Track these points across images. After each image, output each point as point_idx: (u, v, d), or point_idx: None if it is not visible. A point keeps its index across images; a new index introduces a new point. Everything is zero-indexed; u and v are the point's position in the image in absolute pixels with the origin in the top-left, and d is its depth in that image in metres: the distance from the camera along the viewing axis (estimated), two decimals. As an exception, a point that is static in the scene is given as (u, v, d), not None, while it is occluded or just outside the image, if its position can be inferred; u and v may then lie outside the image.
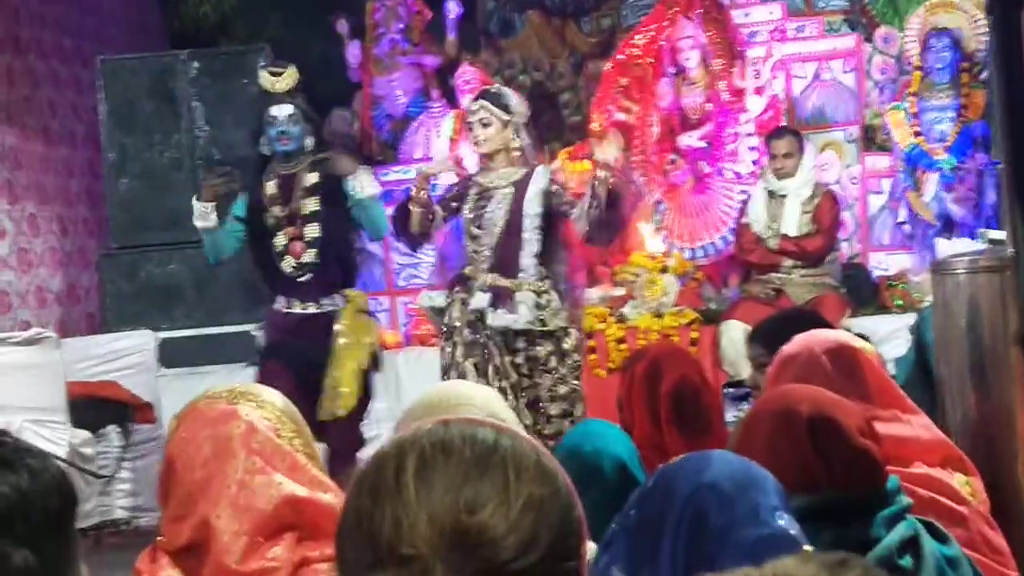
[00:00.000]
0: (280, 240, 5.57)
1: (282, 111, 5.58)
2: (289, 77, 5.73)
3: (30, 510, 1.44)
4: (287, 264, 5.56)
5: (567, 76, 9.09)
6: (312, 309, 5.58)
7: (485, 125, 5.29)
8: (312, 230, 5.55)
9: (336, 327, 5.52)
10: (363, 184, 5.51)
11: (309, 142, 5.63)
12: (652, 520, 1.74)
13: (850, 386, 2.65)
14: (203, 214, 5.57)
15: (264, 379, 5.43)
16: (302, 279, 5.56)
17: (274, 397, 2.18)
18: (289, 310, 5.61)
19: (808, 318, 3.84)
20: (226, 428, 2.08)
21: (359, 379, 5.55)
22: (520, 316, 5.19)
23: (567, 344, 5.26)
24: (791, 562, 1.09)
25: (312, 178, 5.58)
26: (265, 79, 5.76)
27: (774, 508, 1.72)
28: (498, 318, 5.20)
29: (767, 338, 3.42)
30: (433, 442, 1.17)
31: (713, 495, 1.71)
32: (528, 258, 5.24)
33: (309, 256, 5.54)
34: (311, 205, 5.56)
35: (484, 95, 5.43)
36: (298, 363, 5.49)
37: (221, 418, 2.10)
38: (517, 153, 5.35)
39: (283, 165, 5.61)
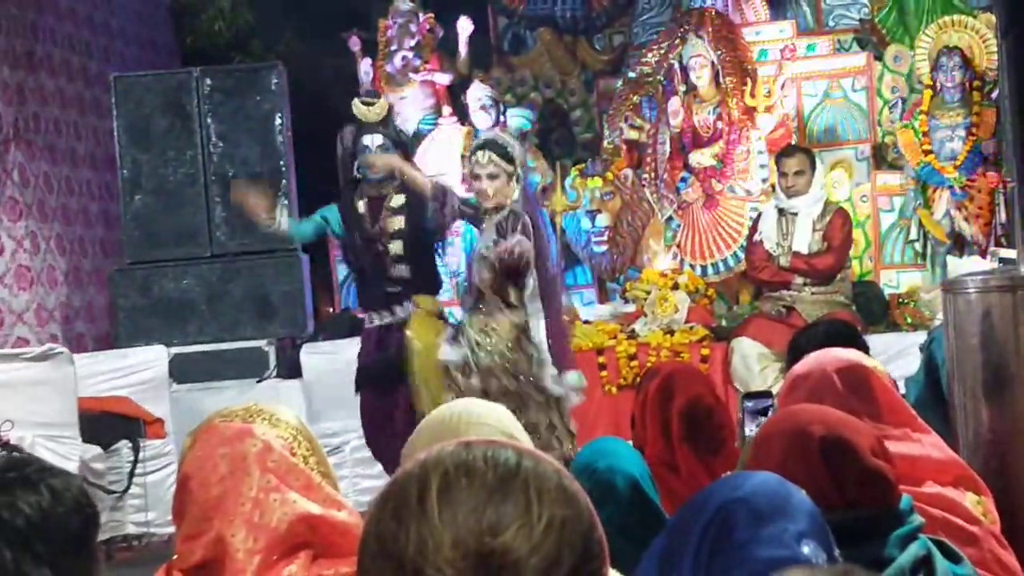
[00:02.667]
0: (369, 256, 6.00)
1: (373, 140, 6.01)
2: (380, 108, 6.20)
3: (51, 529, 1.46)
4: (377, 278, 5.97)
5: (578, 93, 9.11)
6: (388, 319, 5.94)
7: (492, 177, 5.47)
8: (396, 247, 5.94)
9: (407, 333, 5.85)
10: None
11: None
12: (681, 527, 1.74)
13: (861, 405, 2.65)
14: (276, 228, 6.19)
15: (361, 411, 5.98)
16: (392, 291, 5.94)
17: (289, 416, 2.19)
18: (372, 323, 6.01)
19: (848, 331, 3.86)
20: (241, 446, 2.09)
21: (437, 380, 5.81)
22: (447, 351, 5.50)
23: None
24: (797, 571, 1.11)
25: (399, 199, 5.98)
26: (358, 109, 6.18)
27: (801, 534, 1.71)
28: (441, 351, 5.54)
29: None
30: (456, 464, 1.18)
31: (744, 509, 1.71)
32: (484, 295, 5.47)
33: (399, 271, 5.93)
34: (396, 224, 5.95)
35: (489, 146, 5.60)
36: (381, 385, 5.90)
37: (236, 436, 2.11)
38: (513, 202, 5.52)
39: (373, 187, 6.02)
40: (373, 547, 1.18)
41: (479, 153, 5.54)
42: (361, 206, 6.02)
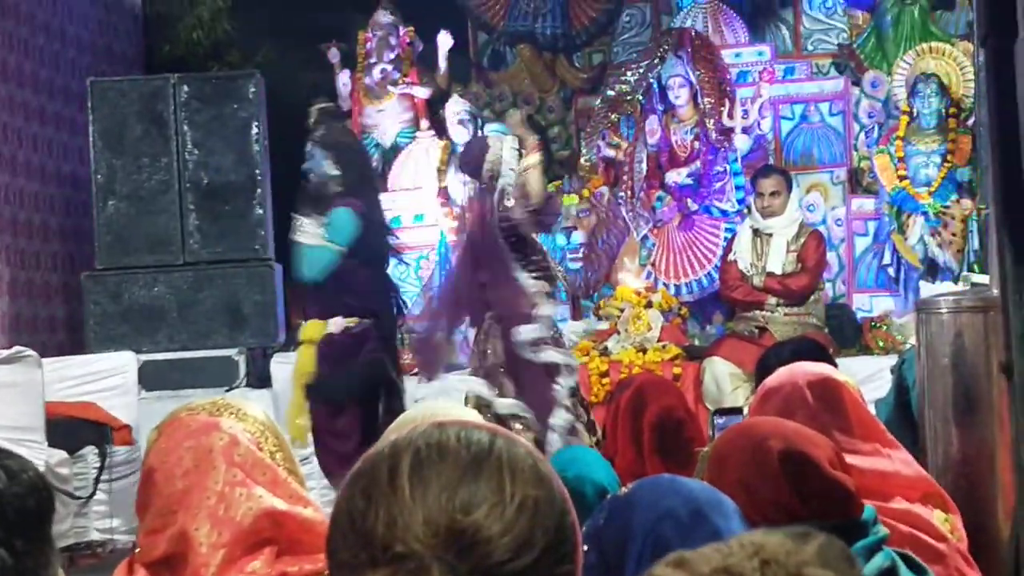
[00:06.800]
0: None
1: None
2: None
3: (6, 510, 1.43)
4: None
5: (557, 110, 9.12)
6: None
7: None
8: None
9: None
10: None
11: None
12: (613, 558, 1.73)
13: (832, 419, 2.65)
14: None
15: None
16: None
17: (256, 411, 2.17)
18: None
19: (816, 350, 3.86)
20: (208, 439, 2.07)
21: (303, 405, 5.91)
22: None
23: None
24: (758, 534, 1.10)
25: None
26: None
27: (732, 531, 1.71)
28: None
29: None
30: (428, 443, 1.17)
31: (672, 525, 1.70)
32: None
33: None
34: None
35: None
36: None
37: (203, 429, 2.09)
38: None
39: None
40: (343, 525, 1.16)
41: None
42: None
